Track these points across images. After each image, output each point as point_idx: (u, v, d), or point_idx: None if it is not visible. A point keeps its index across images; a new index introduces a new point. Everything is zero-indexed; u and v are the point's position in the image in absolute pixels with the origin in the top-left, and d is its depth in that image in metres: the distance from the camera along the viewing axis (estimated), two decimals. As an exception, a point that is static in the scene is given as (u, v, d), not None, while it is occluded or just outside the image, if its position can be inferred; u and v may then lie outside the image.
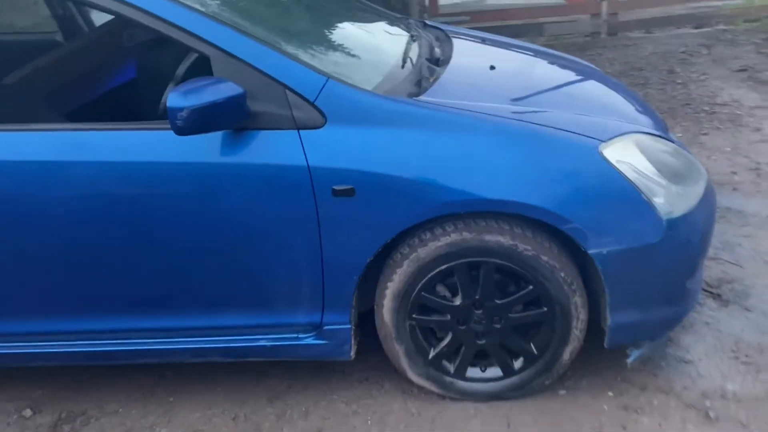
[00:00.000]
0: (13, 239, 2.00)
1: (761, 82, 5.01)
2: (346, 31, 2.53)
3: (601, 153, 1.91)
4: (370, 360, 2.30)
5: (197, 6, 1.95)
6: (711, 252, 2.63)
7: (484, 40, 2.86)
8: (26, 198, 1.95)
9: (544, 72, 2.67)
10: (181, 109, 1.72)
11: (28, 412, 2.33)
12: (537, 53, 2.91)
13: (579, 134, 1.96)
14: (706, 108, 4.61)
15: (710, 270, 2.71)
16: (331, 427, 2.13)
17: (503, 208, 1.90)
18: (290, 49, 1.99)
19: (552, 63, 2.81)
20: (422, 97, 2.03)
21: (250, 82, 1.85)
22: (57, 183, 1.94)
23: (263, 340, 2.13)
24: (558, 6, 6.62)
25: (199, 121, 1.76)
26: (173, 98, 1.72)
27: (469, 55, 2.57)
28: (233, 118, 1.84)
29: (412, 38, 2.54)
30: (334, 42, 2.31)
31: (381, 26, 2.70)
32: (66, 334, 2.17)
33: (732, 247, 2.90)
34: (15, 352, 2.20)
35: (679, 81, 5.21)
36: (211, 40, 1.88)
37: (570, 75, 2.69)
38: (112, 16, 2.75)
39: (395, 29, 2.66)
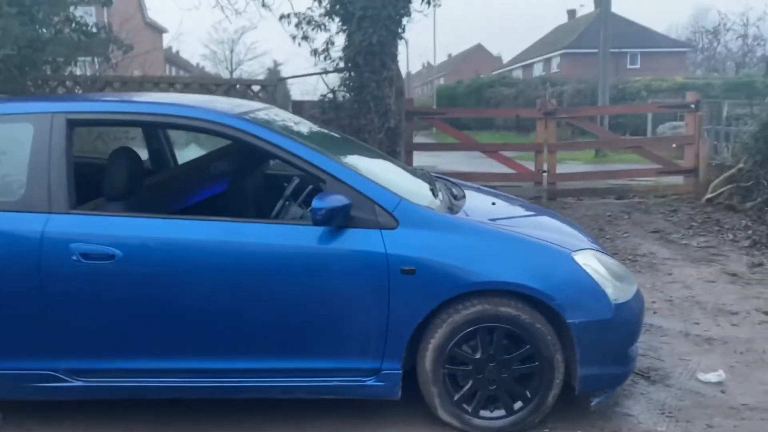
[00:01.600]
0: (176, 293, 2.83)
1: (670, 241, 6.42)
2: (389, 171, 3.61)
3: (573, 258, 2.98)
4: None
5: (318, 147, 3.01)
6: (641, 351, 3.65)
7: (478, 189, 4.02)
8: (191, 266, 2.82)
9: (524, 207, 3.83)
10: (321, 209, 2.71)
11: (139, 438, 2.99)
12: (512, 199, 4.09)
13: (558, 245, 3.03)
14: (630, 257, 5.91)
15: (642, 361, 3.71)
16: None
17: (512, 288, 2.89)
18: (373, 178, 3.04)
19: (525, 205, 3.99)
20: (458, 215, 3.09)
21: (352, 198, 2.86)
22: (211, 255, 2.83)
23: (336, 381, 2.94)
24: (509, 174, 8.09)
25: (327, 218, 2.75)
26: (317, 202, 2.72)
27: (474, 194, 3.70)
28: (343, 219, 2.83)
29: (430, 180, 3.64)
30: (391, 177, 3.38)
31: (404, 171, 3.81)
32: (188, 372, 2.92)
33: (655, 348, 3.95)
34: (155, 386, 2.91)
35: (608, 236, 6.57)
36: (328, 170, 2.92)
37: (541, 211, 3.85)
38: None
39: (413, 175, 3.77)
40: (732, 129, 11.07)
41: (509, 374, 2.96)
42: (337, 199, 2.79)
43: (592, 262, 3.02)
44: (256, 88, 7.64)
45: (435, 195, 3.33)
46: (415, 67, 66.02)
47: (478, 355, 2.95)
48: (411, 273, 2.85)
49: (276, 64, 40.75)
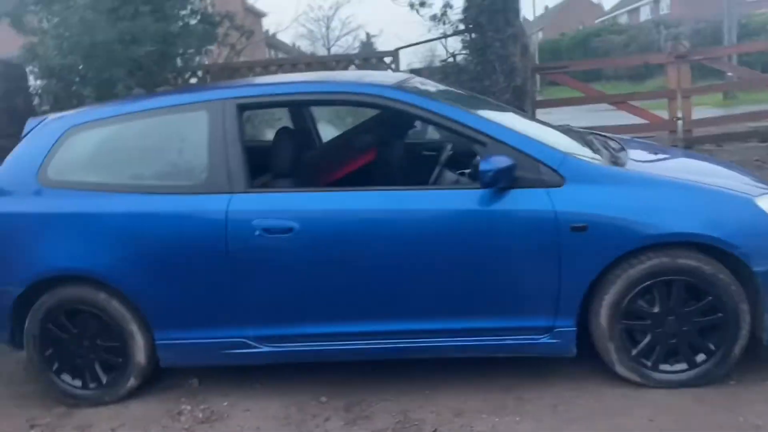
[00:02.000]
0: (351, 260, 2.97)
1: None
2: (542, 129, 3.56)
3: (756, 203, 2.82)
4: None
5: (474, 111, 3.02)
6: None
7: (632, 140, 3.88)
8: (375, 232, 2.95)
9: (687, 156, 3.66)
10: (488, 171, 2.73)
11: (324, 399, 3.17)
12: (671, 149, 3.91)
13: (737, 191, 2.88)
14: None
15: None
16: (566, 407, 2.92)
17: (691, 239, 2.79)
18: (535, 137, 3.01)
19: (687, 154, 3.80)
20: (624, 167, 3.01)
21: (515, 158, 2.85)
22: (384, 223, 2.94)
23: (509, 340, 2.98)
24: (640, 125, 7.72)
25: (494, 180, 2.76)
26: (484, 165, 2.75)
27: (633, 145, 3.58)
28: (508, 179, 2.83)
29: (583, 136, 3.55)
30: (546, 134, 3.33)
31: (554, 129, 3.74)
32: (366, 335, 3.06)
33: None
34: (336, 348, 3.08)
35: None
36: (489, 133, 2.92)
37: (705, 158, 3.67)
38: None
39: (564, 133, 3.69)
40: None
41: (690, 327, 2.87)
42: (501, 160, 2.79)
43: (770, 206, 2.85)
44: (374, 61, 7.72)
45: (593, 150, 3.25)
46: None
47: (656, 309, 2.88)
48: (582, 230, 2.81)
49: (369, 36, 40.81)
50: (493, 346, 3.01)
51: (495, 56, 6.10)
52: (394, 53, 7.79)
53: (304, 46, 46.50)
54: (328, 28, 44.55)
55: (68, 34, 6.16)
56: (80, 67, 6.25)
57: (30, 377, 3.68)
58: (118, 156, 3.29)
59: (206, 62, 8.17)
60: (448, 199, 2.96)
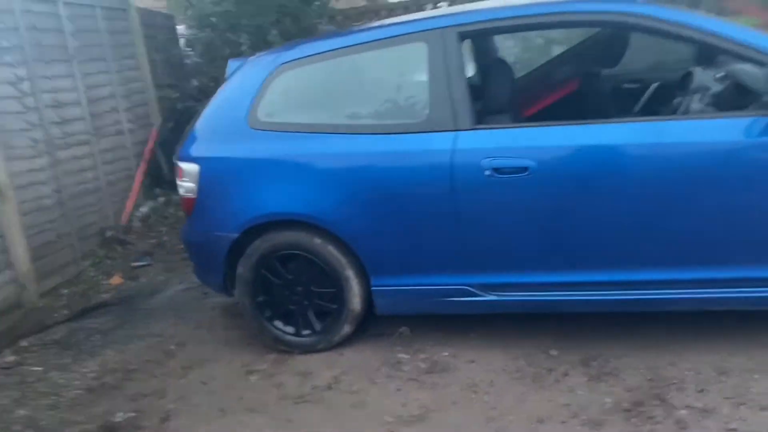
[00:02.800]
0: (593, 203, 2.68)
1: None
2: None
3: None
4: None
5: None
6: None
7: None
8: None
9: None
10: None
11: (554, 352, 2.95)
12: None
13: None
14: None
15: None
16: None
17: None
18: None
19: None
20: None
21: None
22: (635, 160, 2.61)
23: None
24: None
25: None
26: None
27: None
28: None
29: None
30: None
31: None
32: (604, 285, 2.78)
33: None
34: (569, 299, 2.84)
35: None
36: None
37: None
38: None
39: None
40: None
41: None
42: None
43: None
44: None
45: None
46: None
47: None
48: None
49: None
50: (758, 298, 2.65)
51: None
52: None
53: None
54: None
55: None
56: (233, 14, 6.18)
57: (232, 323, 3.70)
58: (330, 95, 3.12)
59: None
60: (719, 130, 2.56)
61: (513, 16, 2.88)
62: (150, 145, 5.88)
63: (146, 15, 6.21)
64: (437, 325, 3.24)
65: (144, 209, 5.65)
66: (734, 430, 2.29)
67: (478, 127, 2.81)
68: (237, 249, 3.18)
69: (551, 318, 3.11)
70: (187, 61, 6.91)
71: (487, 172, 2.73)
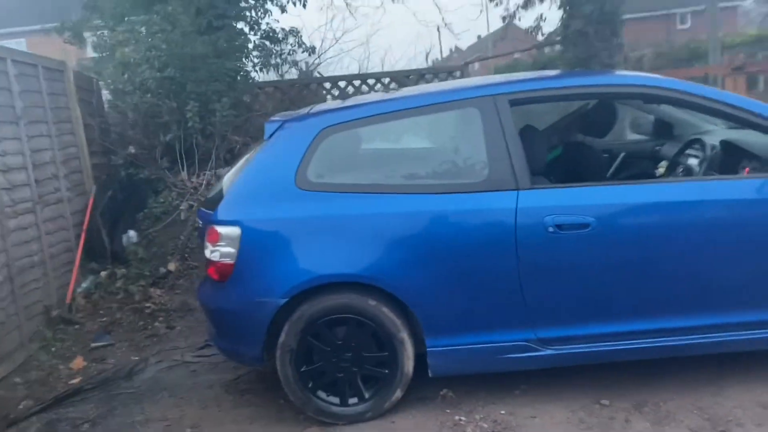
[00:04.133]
0: (650, 256, 2.91)
1: None
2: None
3: None
4: None
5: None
6: None
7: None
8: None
9: None
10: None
11: (605, 401, 3.07)
12: None
13: None
14: None
15: None
16: None
17: None
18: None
19: None
20: None
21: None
22: (686, 215, 2.90)
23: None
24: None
25: None
26: None
27: None
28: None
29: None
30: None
31: None
32: (653, 333, 2.99)
33: None
34: (622, 348, 2.99)
35: None
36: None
37: None
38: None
39: None
40: None
41: None
42: None
43: None
44: (443, 75, 7.72)
45: None
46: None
47: None
48: None
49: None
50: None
51: (600, 66, 6.19)
52: (463, 67, 7.82)
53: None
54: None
55: (165, 47, 5.90)
56: (177, 81, 5.98)
57: (242, 400, 3.45)
58: (383, 156, 3.14)
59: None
60: (743, 189, 2.94)
61: (560, 87, 3.14)
62: (88, 215, 5.39)
63: (79, 78, 5.82)
64: (477, 385, 3.25)
65: (85, 284, 5.11)
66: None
67: (536, 186, 2.97)
68: (281, 316, 3.01)
69: (585, 369, 3.22)
70: (113, 128, 6.51)
71: (551, 229, 2.88)
